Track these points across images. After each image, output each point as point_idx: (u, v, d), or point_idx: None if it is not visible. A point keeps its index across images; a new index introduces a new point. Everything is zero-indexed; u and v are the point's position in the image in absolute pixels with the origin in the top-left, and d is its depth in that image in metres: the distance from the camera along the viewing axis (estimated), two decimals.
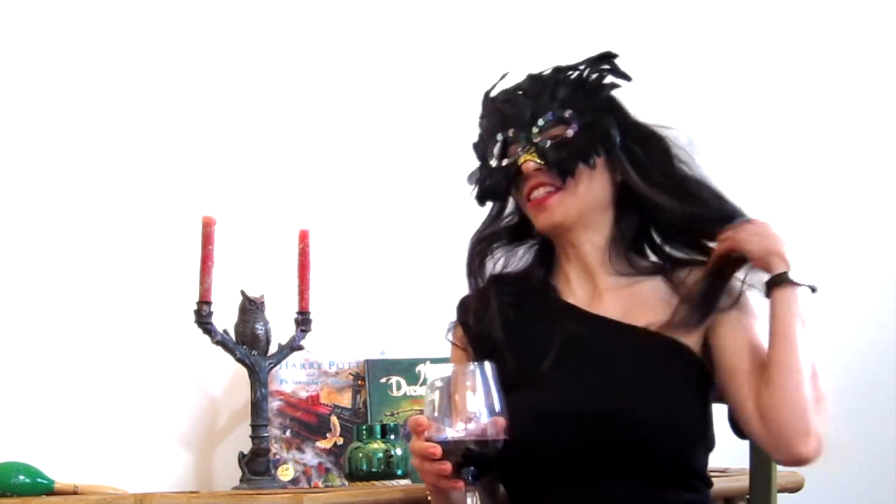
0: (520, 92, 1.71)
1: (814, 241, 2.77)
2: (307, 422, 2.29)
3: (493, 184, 1.70)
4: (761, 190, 2.77)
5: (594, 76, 1.69)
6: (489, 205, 1.76)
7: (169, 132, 2.41)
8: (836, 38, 2.86)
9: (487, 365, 1.41)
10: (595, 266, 1.68)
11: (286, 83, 2.51)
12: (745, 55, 2.82)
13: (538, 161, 1.64)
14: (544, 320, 1.65)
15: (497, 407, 1.39)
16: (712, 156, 2.73)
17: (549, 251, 1.74)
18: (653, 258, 1.72)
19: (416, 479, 2.05)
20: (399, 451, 2.08)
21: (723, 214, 1.64)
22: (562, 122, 1.66)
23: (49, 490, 2.04)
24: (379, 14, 2.60)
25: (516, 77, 1.76)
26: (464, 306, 1.72)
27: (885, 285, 2.79)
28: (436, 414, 1.39)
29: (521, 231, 1.75)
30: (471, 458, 1.39)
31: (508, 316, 1.66)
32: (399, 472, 2.07)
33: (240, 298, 2.20)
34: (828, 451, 1.52)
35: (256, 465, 2.15)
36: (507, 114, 1.70)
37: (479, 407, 1.39)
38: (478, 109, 1.79)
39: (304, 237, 2.21)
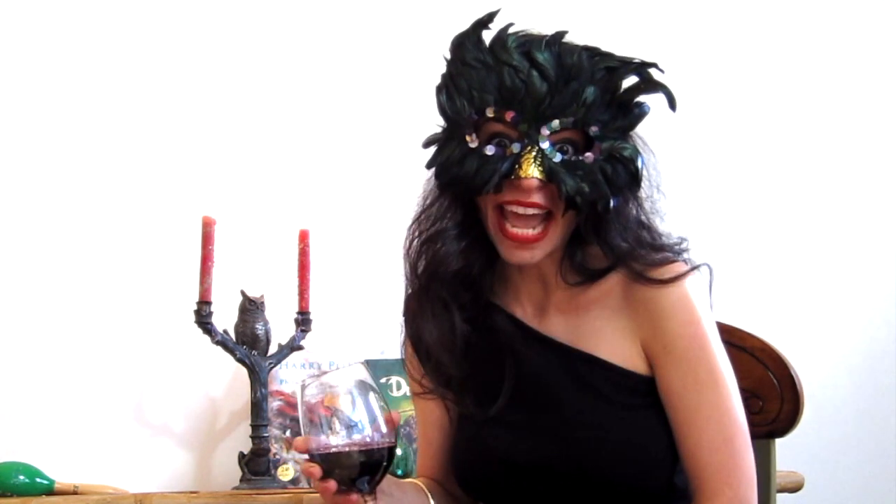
0: (536, 67, 1.36)
1: (815, 241, 2.77)
2: None
3: (481, 178, 1.38)
4: (763, 191, 2.77)
5: (632, 93, 1.39)
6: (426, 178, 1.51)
7: (169, 132, 2.41)
8: (837, 39, 2.86)
9: (360, 367, 1.30)
10: (549, 279, 1.49)
11: (286, 83, 2.51)
12: (744, 55, 2.81)
13: (542, 178, 1.36)
14: (494, 344, 1.48)
15: (377, 411, 1.28)
16: (712, 157, 2.74)
17: (486, 246, 1.48)
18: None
19: None
20: (399, 451, 2.08)
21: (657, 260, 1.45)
22: (581, 134, 1.39)
23: (49, 490, 2.04)
24: (379, 14, 2.60)
25: (516, 19, 1.42)
26: (407, 314, 1.54)
27: (886, 284, 2.79)
28: (316, 424, 1.27)
29: (465, 224, 1.48)
30: (362, 468, 1.27)
31: (458, 344, 1.48)
32: (399, 472, 2.08)
33: (240, 298, 2.20)
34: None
35: (256, 465, 2.15)
36: (509, 86, 1.36)
37: (360, 415, 1.27)
38: None
39: (304, 237, 2.21)
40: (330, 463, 1.26)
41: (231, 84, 2.47)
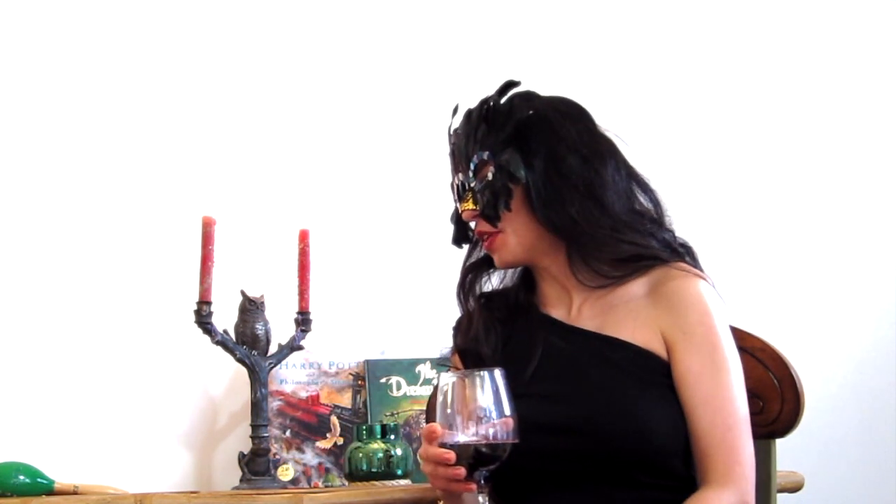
0: (458, 133, 1.71)
1: (815, 242, 2.78)
2: (307, 422, 2.29)
3: (455, 229, 1.74)
4: (762, 191, 2.77)
5: (498, 110, 1.68)
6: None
7: (169, 132, 2.41)
8: (837, 39, 2.86)
9: (497, 371, 1.45)
10: (567, 283, 1.68)
11: (286, 83, 2.51)
12: (744, 55, 2.82)
13: (473, 207, 1.67)
14: (527, 334, 1.67)
15: (507, 409, 1.42)
16: (713, 156, 2.74)
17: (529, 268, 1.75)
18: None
19: (417, 479, 2.05)
20: (399, 451, 2.08)
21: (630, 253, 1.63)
22: (484, 164, 1.66)
23: (49, 490, 2.04)
24: (379, 15, 2.60)
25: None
26: (456, 328, 1.76)
27: (886, 284, 2.79)
28: (448, 415, 1.43)
29: None
30: (482, 460, 1.42)
31: (494, 333, 1.69)
32: (399, 472, 2.07)
33: (240, 298, 2.20)
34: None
35: (256, 465, 2.15)
36: (455, 155, 1.72)
37: (488, 410, 1.42)
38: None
39: (304, 237, 2.21)
40: (461, 453, 1.42)
41: (231, 84, 2.47)
